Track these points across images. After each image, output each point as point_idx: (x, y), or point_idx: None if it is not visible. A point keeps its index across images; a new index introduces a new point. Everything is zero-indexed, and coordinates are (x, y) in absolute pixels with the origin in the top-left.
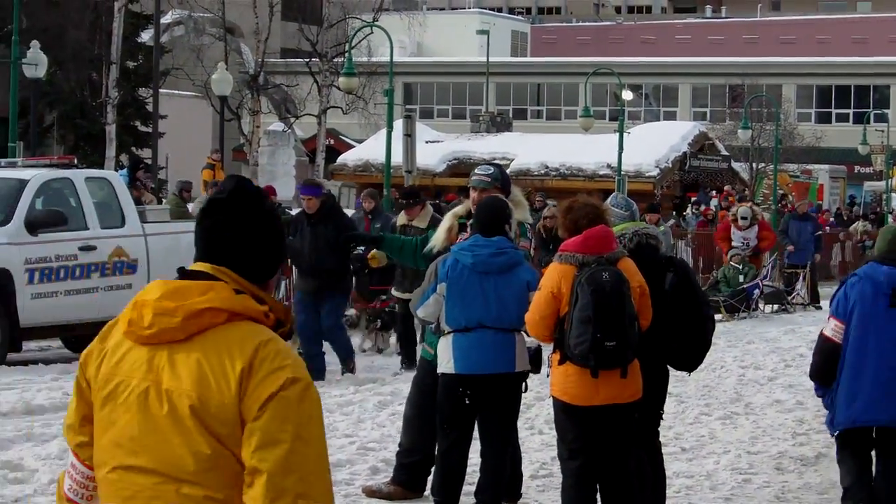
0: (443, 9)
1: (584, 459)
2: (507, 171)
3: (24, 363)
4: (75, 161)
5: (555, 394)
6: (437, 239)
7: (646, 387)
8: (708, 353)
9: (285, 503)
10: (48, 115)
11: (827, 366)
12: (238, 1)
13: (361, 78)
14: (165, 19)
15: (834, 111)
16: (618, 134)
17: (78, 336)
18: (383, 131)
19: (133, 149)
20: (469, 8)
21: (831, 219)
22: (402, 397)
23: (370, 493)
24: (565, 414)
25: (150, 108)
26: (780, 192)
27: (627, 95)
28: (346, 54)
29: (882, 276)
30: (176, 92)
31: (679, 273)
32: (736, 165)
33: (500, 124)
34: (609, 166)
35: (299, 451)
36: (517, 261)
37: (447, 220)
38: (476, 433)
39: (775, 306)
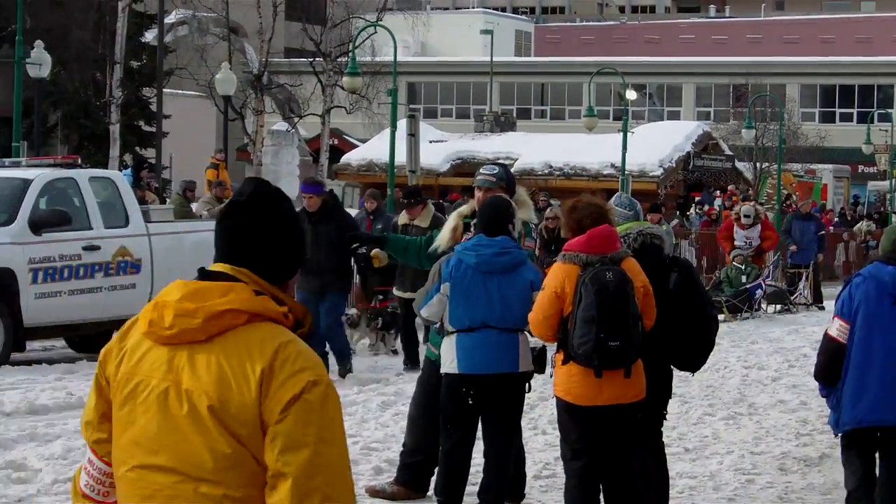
0: (446, 8)
1: (587, 460)
2: (511, 170)
3: (28, 363)
4: (79, 161)
5: (558, 394)
6: (442, 239)
7: (649, 387)
8: (711, 354)
9: (308, 499)
10: (52, 114)
11: (832, 366)
12: (242, 1)
13: (365, 77)
14: (169, 19)
15: (838, 111)
16: (621, 133)
17: (82, 336)
18: (387, 131)
19: (137, 148)
20: (473, 7)
21: (835, 219)
22: (406, 397)
23: (373, 493)
24: (569, 414)
25: (153, 107)
26: (785, 192)
27: (631, 95)
28: (350, 54)
29: (887, 276)
30: (180, 92)
31: (683, 273)
32: (740, 165)
33: (503, 124)
34: (613, 166)
35: (323, 453)
36: (521, 260)
37: (452, 220)
38: (480, 433)
39: (778, 306)
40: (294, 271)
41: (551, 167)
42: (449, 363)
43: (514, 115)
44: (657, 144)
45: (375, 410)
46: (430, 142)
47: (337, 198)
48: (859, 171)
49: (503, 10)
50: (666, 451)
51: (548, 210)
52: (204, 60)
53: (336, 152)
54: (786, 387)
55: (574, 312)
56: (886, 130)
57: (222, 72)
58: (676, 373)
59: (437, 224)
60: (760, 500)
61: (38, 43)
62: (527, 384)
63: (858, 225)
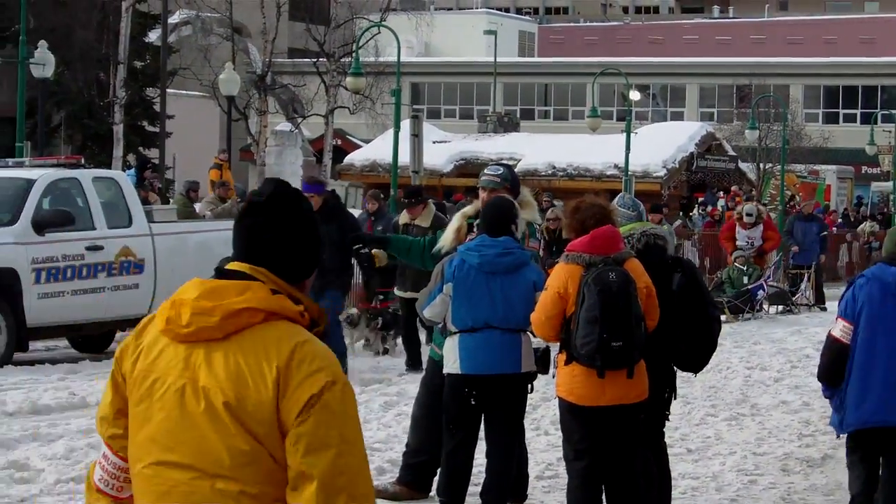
0: (450, 9)
1: (589, 460)
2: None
3: (31, 363)
4: (83, 161)
5: (561, 394)
6: (446, 239)
7: (652, 388)
8: (714, 354)
9: (333, 500)
10: (56, 114)
11: (835, 367)
12: (245, 1)
13: (369, 78)
14: (173, 19)
15: (841, 111)
16: (625, 134)
17: (85, 336)
18: (390, 131)
19: (140, 149)
20: (476, 8)
21: (839, 220)
22: (408, 398)
23: (376, 493)
24: (571, 414)
25: (157, 108)
26: (788, 192)
27: (635, 96)
28: (354, 54)
29: (890, 278)
30: (183, 92)
31: (686, 274)
32: (743, 166)
33: (507, 124)
34: (616, 166)
35: (346, 453)
36: (523, 261)
37: (456, 221)
38: (482, 433)
39: (780, 307)
40: (311, 271)
41: (555, 168)
42: (452, 363)
43: (518, 115)
44: (660, 145)
45: (378, 411)
46: (434, 142)
47: (338, 197)
48: (863, 171)
49: (507, 10)
50: (668, 451)
51: (548, 211)
52: (207, 61)
53: (339, 153)
54: (788, 387)
55: (577, 313)
56: (890, 131)
57: (226, 72)
58: (679, 373)
59: (437, 224)
60: (763, 501)
61: (42, 43)
62: (529, 385)
63: (862, 226)
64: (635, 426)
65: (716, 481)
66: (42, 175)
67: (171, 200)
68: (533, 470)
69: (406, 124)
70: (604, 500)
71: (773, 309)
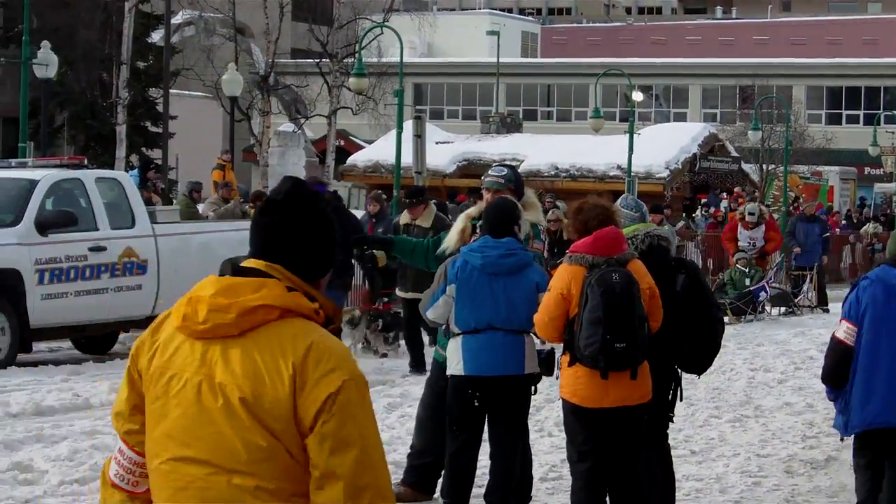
0: (453, 9)
1: (593, 462)
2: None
3: (35, 364)
4: (86, 161)
5: (564, 396)
6: (450, 240)
7: (655, 389)
8: (718, 356)
9: (359, 499)
10: (59, 115)
11: (839, 368)
12: (248, 1)
13: (371, 79)
14: (176, 20)
15: (844, 112)
16: (628, 135)
17: (88, 337)
18: (393, 132)
19: (143, 149)
20: (479, 9)
21: (843, 221)
22: (412, 399)
23: None
24: (575, 416)
25: (160, 108)
26: (792, 194)
27: (638, 96)
28: (357, 55)
29: (894, 279)
30: (186, 92)
31: (690, 275)
32: (746, 167)
33: (510, 125)
34: (619, 167)
35: (367, 451)
36: (526, 262)
37: (460, 222)
38: (486, 435)
39: (782, 308)
40: (327, 270)
41: (557, 168)
42: (455, 365)
43: (521, 116)
44: (663, 146)
45: (381, 412)
46: (437, 143)
47: (340, 198)
48: (866, 173)
49: (509, 11)
50: (672, 453)
51: (549, 213)
52: (210, 61)
53: (342, 153)
54: (792, 389)
55: (580, 314)
56: (893, 132)
57: (229, 72)
58: (683, 375)
59: (438, 224)
60: (767, 503)
61: (45, 43)
62: (533, 386)
63: (865, 227)
64: (639, 427)
65: (719, 483)
66: (45, 176)
67: (175, 201)
68: (537, 472)
69: (409, 125)
70: (607, 501)
71: (775, 310)
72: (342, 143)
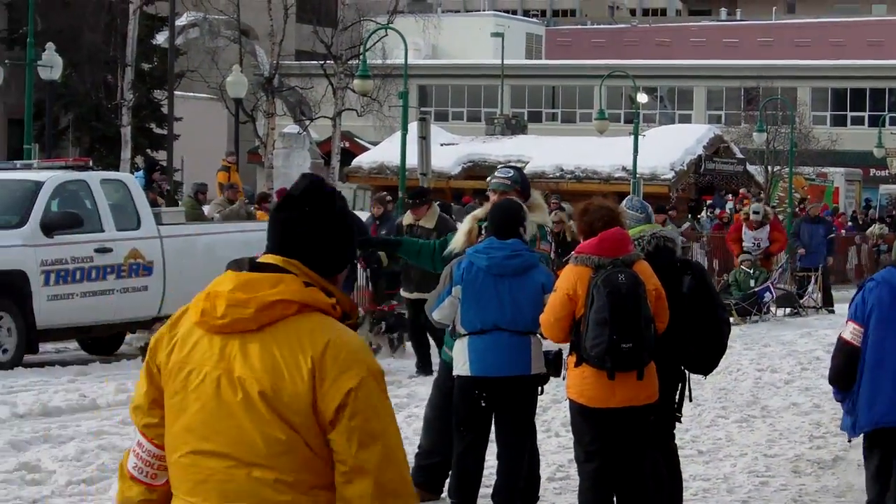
0: (457, 11)
1: (600, 462)
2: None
3: (41, 365)
4: (90, 163)
5: (571, 396)
6: (457, 242)
7: (662, 390)
8: (724, 357)
9: (389, 495)
10: (63, 117)
11: (847, 369)
12: (253, 3)
13: (376, 80)
14: (180, 21)
15: (849, 114)
16: (633, 136)
17: (94, 338)
18: (398, 134)
19: (148, 151)
20: (483, 10)
21: (848, 222)
22: (419, 399)
23: None
24: (582, 416)
25: (165, 110)
26: (798, 195)
27: (642, 98)
28: (361, 57)
29: None
30: (191, 94)
31: (696, 276)
32: (751, 168)
33: (514, 127)
34: (624, 169)
35: (390, 444)
36: (532, 263)
37: (467, 223)
38: (493, 435)
39: (787, 309)
40: (344, 265)
41: (562, 170)
42: (461, 365)
43: (525, 117)
44: (668, 147)
45: None
46: (442, 145)
47: (345, 199)
48: (871, 174)
49: (514, 12)
50: (679, 453)
51: (552, 214)
52: (215, 63)
53: (347, 155)
54: (799, 389)
55: (586, 315)
56: None
57: (233, 74)
58: (690, 376)
59: (442, 225)
60: (774, 503)
61: (50, 45)
62: (539, 387)
63: (871, 228)
64: (645, 428)
65: (727, 483)
66: (50, 177)
67: (180, 203)
68: (544, 472)
69: (413, 127)
70: (614, 502)
71: (780, 311)
72: (347, 144)
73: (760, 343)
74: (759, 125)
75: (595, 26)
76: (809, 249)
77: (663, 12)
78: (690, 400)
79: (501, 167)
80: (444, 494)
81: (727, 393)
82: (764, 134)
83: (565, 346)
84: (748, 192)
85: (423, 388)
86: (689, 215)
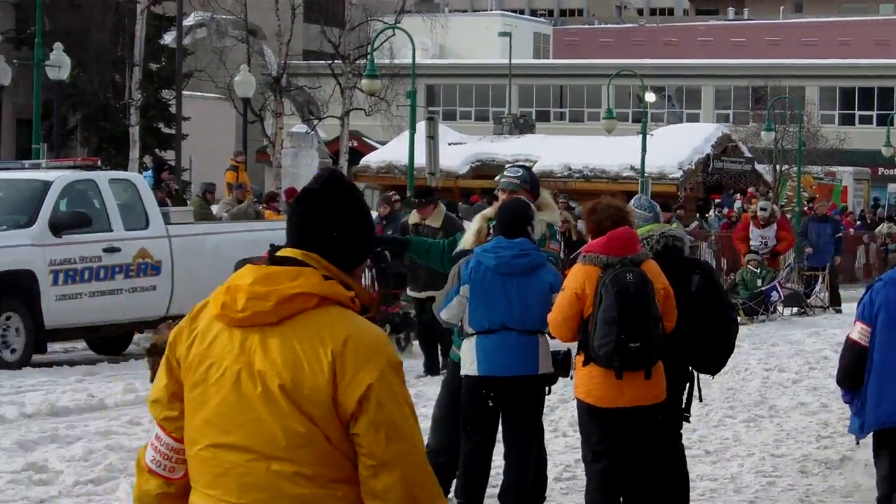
0: (465, 11)
1: (608, 461)
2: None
3: (49, 365)
4: (99, 163)
5: (579, 395)
6: (466, 241)
7: (670, 389)
8: (732, 356)
9: (416, 486)
10: (72, 116)
11: (855, 369)
12: (260, 3)
13: (384, 80)
14: (188, 21)
15: (857, 113)
16: (641, 136)
17: (102, 337)
18: (406, 133)
19: (156, 150)
20: (491, 10)
21: (857, 221)
22: (426, 399)
23: None
24: (589, 416)
25: (173, 110)
26: (806, 194)
27: (650, 97)
28: (369, 56)
29: None
30: (199, 94)
31: (704, 275)
32: (759, 167)
33: (522, 126)
34: (632, 168)
35: (414, 436)
36: (540, 262)
37: (476, 223)
38: (500, 435)
39: (794, 309)
40: (362, 259)
41: (570, 169)
42: (469, 365)
43: (533, 117)
44: (676, 147)
45: None
46: (450, 144)
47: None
48: (879, 173)
49: (521, 12)
50: (686, 453)
51: None
52: (223, 63)
53: (355, 154)
54: (806, 389)
55: (594, 314)
56: None
57: (241, 74)
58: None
59: (448, 224)
60: (781, 503)
61: (58, 45)
62: (547, 387)
63: (879, 227)
64: (653, 427)
65: (734, 483)
66: (59, 177)
67: (188, 202)
68: (551, 472)
69: (421, 126)
70: (622, 501)
71: (787, 311)
72: (355, 144)
73: (768, 342)
74: (767, 124)
75: (603, 26)
76: (817, 248)
77: (671, 12)
78: (700, 400)
79: (511, 166)
80: (451, 495)
81: (735, 392)
82: (772, 133)
83: (573, 346)
84: (756, 191)
85: (431, 387)
86: (698, 214)
